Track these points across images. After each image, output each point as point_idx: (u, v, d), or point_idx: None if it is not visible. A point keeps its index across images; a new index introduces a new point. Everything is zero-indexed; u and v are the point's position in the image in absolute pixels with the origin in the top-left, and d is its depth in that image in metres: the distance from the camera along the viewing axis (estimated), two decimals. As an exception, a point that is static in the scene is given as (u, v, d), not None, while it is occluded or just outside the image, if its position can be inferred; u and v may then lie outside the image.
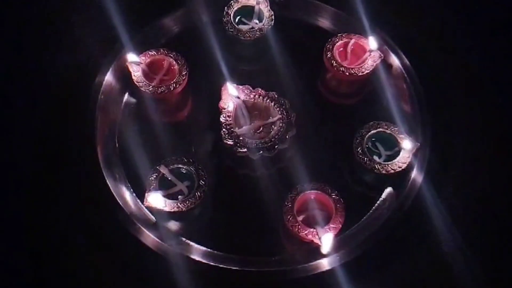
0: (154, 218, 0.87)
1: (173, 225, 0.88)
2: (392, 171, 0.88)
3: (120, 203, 0.86)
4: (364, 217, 0.90)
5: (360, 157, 0.89)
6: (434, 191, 0.89)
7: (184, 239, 0.87)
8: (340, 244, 0.85)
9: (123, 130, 0.95)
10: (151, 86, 0.92)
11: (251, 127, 0.91)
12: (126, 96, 0.98)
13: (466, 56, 1.02)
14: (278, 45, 0.99)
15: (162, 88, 0.93)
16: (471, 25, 1.04)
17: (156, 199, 0.84)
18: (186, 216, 0.88)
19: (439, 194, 0.89)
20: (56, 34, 1.01)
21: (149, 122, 0.96)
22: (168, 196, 0.85)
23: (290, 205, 0.85)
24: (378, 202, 0.91)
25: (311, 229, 0.84)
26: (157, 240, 0.85)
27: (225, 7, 0.99)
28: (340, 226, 0.84)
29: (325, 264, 0.84)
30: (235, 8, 0.99)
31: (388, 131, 0.91)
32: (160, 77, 0.95)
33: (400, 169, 0.88)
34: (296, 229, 0.84)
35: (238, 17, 1.00)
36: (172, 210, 0.84)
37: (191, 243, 0.87)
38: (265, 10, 0.99)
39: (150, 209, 0.86)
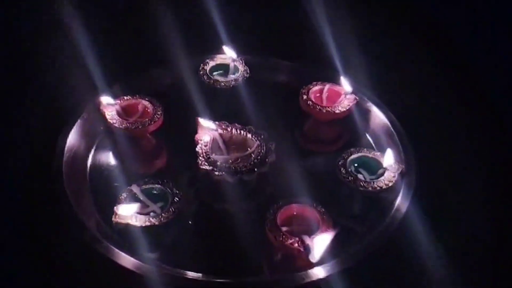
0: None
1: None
2: (379, 188, 0.83)
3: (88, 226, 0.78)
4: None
5: (343, 177, 0.84)
6: (422, 214, 0.83)
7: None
8: (329, 254, 0.76)
9: (95, 165, 0.92)
10: (125, 123, 0.90)
11: (228, 157, 0.87)
12: (97, 141, 0.96)
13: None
14: (253, 97, 0.99)
15: (136, 124, 0.90)
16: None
17: (126, 212, 0.77)
18: (161, 239, 0.79)
19: (427, 216, 0.83)
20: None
21: (123, 162, 0.91)
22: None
23: (272, 217, 0.78)
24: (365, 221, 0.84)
25: (297, 238, 0.76)
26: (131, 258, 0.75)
27: (201, 64, 1.01)
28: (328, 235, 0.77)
29: (314, 274, 0.74)
30: (211, 65, 1.02)
31: (370, 155, 0.88)
32: (135, 119, 0.93)
33: (386, 186, 0.83)
34: (280, 239, 0.76)
35: (215, 73, 1.01)
36: (144, 224, 0.77)
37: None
38: (240, 66, 1.02)
39: (120, 227, 0.78)
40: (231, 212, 0.86)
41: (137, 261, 0.74)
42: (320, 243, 0.75)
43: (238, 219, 0.84)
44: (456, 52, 1.06)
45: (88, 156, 0.92)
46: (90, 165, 0.91)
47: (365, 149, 0.89)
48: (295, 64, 1.07)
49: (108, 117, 0.91)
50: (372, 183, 0.84)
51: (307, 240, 0.75)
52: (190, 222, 0.84)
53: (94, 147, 0.94)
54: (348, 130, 0.97)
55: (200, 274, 0.75)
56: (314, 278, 0.73)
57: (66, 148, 0.88)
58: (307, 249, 0.74)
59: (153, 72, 1.03)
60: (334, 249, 0.76)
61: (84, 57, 0.98)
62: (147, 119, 0.91)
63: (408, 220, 0.81)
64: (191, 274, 0.75)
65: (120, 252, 0.75)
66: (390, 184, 0.84)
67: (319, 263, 0.75)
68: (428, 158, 0.90)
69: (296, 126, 1.00)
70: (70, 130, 0.91)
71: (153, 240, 0.78)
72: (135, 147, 0.93)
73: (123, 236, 0.78)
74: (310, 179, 0.88)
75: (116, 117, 0.91)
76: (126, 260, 0.74)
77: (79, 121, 0.92)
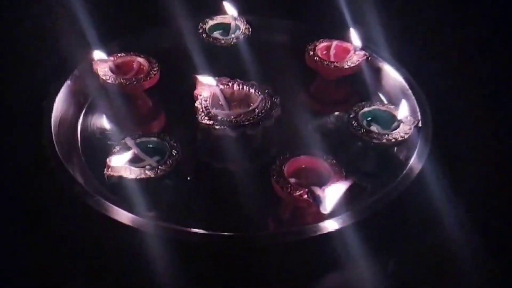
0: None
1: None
2: (393, 140, 0.76)
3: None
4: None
5: (355, 129, 0.78)
6: (438, 168, 0.76)
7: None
8: (341, 207, 0.69)
9: (87, 126, 0.86)
10: (119, 79, 0.84)
11: (230, 112, 0.81)
12: (89, 100, 0.90)
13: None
14: (255, 54, 0.93)
15: (131, 80, 0.84)
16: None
17: (119, 163, 0.70)
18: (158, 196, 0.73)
19: (444, 171, 0.76)
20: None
21: (117, 123, 0.85)
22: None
23: (278, 168, 0.71)
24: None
25: (306, 189, 0.69)
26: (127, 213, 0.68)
27: (200, 23, 0.95)
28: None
29: (325, 226, 0.67)
30: (211, 24, 0.96)
31: (383, 108, 0.81)
32: (130, 76, 0.86)
33: (402, 138, 0.77)
34: (288, 190, 0.69)
35: (215, 32, 0.95)
36: (139, 177, 0.70)
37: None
38: (242, 24, 0.95)
39: (113, 181, 0.71)
40: (234, 170, 0.78)
41: (131, 215, 0.66)
42: (332, 193, 0.68)
43: (241, 176, 0.78)
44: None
45: (79, 117, 0.87)
46: (81, 126, 0.86)
47: (378, 103, 0.82)
48: (299, 23, 1.01)
49: (100, 73, 0.84)
50: (386, 135, 0.76)
51: (318, 191, 0.68)
52: (189, 178, 0.77)
53: (85, 107, 0.88)
54: (357, 89, 0.91)
55: (200, 229, 0.67)
56: (326, 231, 0.67)
57: (55, 108, 0.82)
58: (317, 200, 0.67)
59: (149, 31, 0.96)
60: (346, 203, 0.69)
61: (76, 16, 0.91)
62: (142, 76, 0.84)
63: (425, 173, 0.75)
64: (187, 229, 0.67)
65: (113, 206, 0.67)
66: (406, 136, 0.77)
67: (331, 215, 0.67)
68: (442, 114, 0.83)
69: (302, 86, 0.94)
70: (60, 88, 0.84)
71: (149, 196, 0.71)
72: (130, 106, 0.87)
73: (117, 192, 0.71)
74: (319, 134, 0.84)
75: (109, 73, 0.84)
76: (120, 214, 0.67)
77: (69, 80, 0.86)
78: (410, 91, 0.87)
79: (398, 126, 0.79)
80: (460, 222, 0.72)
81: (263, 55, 0.94)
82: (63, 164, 0.73)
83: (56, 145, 0.75)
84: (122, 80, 0.84)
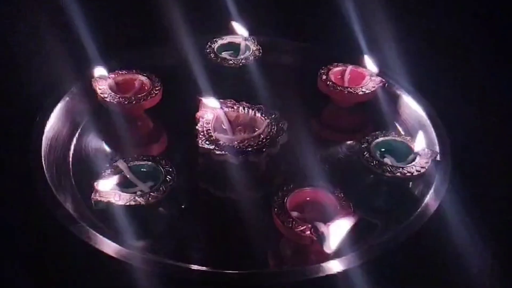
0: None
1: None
2: (408, 174, 0.70)
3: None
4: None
5: (367, 160, 0.72)
6: (457, 204, 0.70)
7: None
8: (347, 246, 0.62)
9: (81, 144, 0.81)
10: (118, 98, 0.79)
11: (233, 138, 0.75)
12: (84, 121, 0.84)
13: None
14: (265, 76, 0.87)
15: (130, 99, 0.79)
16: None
17: (108, 187, 0.65)
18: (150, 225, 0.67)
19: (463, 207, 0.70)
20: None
21: (114, 145, 0.80)
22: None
23: (281, 200, 0.65)
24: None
25: (309, 224, 0.63)
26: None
27: (209, 42, 0.90)
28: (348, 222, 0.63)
29: (328, 267, 0.61)
30: (220, 43, 0.91)
31: (399, 139, 0.75)
32: (130, 95, 0.81)
33: (417, 172, 0.70)
34: (290, 225, 0.63)
35: (223, 53, 0.90)
36: (128, 203, 0.64)
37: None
38: (252, 45, 0.90)
39: (101, 207, 0.65)
40: (235, 200, 0.73)
41: (116, 245, 0.61)
42: (337, 230, 0.61)
43: (242, 207, 0.72)
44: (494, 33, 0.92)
45: (73, 137, 0.81)
46: (75, 147, 0.80)
47: (393, 133, 0.76)
48: (312, 46, 0.96)
49: (99, 91, 0.79)
50: (400, 168, 0.70)
51: (322, 227, 0.62)
52: (183, 206, 0.71)
53: (80, 128, 0.82)
54: (372, 118, 0.85)
55: (193, 264, 0.61)
56: (329, 272, 0.60)
57: (48, 126, 0.77)
58: (321, 238, 0.61)
59: (153, 48, 0.91)
60: (354, 241, 0.63)
61: (77, 31, 0.86)
62: (142, 95, 0.79)
63: (443, 211, 0.68)
64: (182, 264, 0.61)
65: (96, 234, 0.62)
66: (422, 170, 0.70)
67: (336, 255, 0.61)
68: (463, 146, 0.76)
69: (313, 112, 0.88)
70: (55, 106, 0.79)
71: (140, 225, 0.66)
72: (130, 127, 0.81)
73: (106, 219, 0.66)
74: (328, 165, 0.78)
75: (108, 91, 0.79)
76: (104, 244, 0.61)
77: (65, 97, 0.82)
78: (428, 121, 0.80)
79: (414, 159, 0.72)
80: (485, 266, 0.65)
81: (273, 77, 0.88)
82: (50, 187, 0.67)
83: (44, 166, 0.70)
84: (121, 99, 0.78)
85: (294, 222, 0.63)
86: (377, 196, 0.73)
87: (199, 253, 0.67)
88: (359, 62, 0.86)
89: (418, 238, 0.66)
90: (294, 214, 0.65)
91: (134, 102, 0.79)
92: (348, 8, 0.92)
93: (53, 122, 0.78)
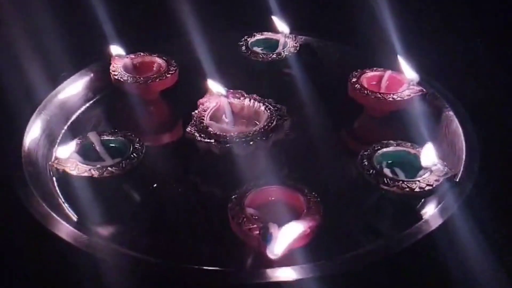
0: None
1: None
2: (408, 190, 0.58)
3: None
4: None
5: (363, 168, 0.61)
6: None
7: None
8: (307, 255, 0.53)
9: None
10: (128, 77, 0.76)
11: (224, 127, 0.68)
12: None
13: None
14: (295, 76, 0.81)
15: (141, 79, 0.75)
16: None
17: (66, 155, 0.61)
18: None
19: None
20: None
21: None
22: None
23: (238, 195, 0.57)
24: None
25: (261, 224, 0.54)
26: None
27: (245, 36, 0.84)
28: (309, 230, 0.53)
29: (269, 274, 0.51)
30: (257, 38, 0.85)
31: (413, 152, 0.63)
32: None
33: (420, 190, 0.58)
34: (239, 221, 0.54)
35: (261, 48, 0.84)
36: (82, 174, 0.60)
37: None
38: (290, 42, 0.83)
39: (58, 175, 0.62)
40: (216, 195, 0.66)
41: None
42: (285, 234, 0.51)
43: (216, 203, 0.63)
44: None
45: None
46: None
47: (409, 144, 0.64)
48: (350, 48, 0.87)
49: (111, 69, 0.76)
50: (400, 182, 0.58)
51: (274, 229, 0.52)
52: (155, 185, 0.67)
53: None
54: (404, 132, 0.72)
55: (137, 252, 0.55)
56: (268, 280, 0.50)
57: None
58: (266, 239, 0.52)
59: (183, 40, 0.87)
60: (319, 252, 0.53)
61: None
62: (154, 76, 0.76)
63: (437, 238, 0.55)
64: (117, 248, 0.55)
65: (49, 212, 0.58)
66: (427, 188, 0.58)
67: (285, 262, 0.51)
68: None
69: (341, 121, 0.78)
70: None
71: (100, 208, 0.62)
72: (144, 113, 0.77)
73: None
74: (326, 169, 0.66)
75: (121, 69, 0.76)
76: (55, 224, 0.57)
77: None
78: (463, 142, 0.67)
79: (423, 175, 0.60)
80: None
81: (304, 79, 0.80)
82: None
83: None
84: (135, 78, 0.75)
85: (244, 219, 0.54)
86: (368, 208, 0.62)
87: (149, 243, 0.60)
88: (399, 69, 0.75)
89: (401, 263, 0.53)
90: (250, 211, 0.56)
91: (142, 82, 0.75)
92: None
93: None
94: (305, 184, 0.59)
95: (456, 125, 0.71)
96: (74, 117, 0.78)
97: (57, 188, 0.64)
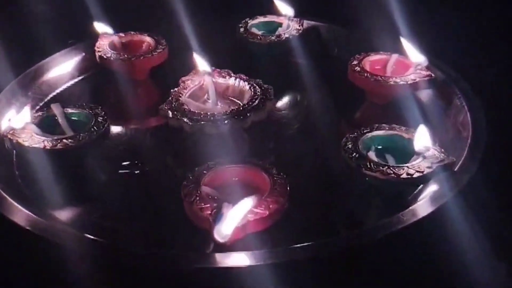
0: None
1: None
2: (393, 176, 0.50)
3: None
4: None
5: (345, 151, 0.54)
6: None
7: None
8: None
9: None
10: (112, 53, 0.71)
11: (202, 106, 0.63)
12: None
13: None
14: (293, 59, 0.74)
15: (124, 57, 0.70)
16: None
17: (20, 125, 0.56)
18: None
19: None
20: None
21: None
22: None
23: (196, 173, 0.51)
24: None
25: (214, 204, 0.47)
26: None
27: (246, 19, 0.78)
28: (267, 212, 0.46)
29: (215, 259, 0.45)
30: (259, 21, 0.79)
31: (406, 136, 0.55)
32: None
33: (408, 176, 0.50)
34: (192, 199, 0.48)
35: (262, 32, 0.77)
36: (33, 144, 0.55)
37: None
38: (294, 25, 0.77)
39: (11, 147, 0.57)
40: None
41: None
42: (235, 213, 0.45)
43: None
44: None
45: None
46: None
47: (403, 128, 0.56)
48: (352, 31, 0.80)
49: (97, 48, 0.72)
50: (385, 168, 0.51)
51: (226, 208, 0.46)
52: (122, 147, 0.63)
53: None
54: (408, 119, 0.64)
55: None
56: (213, 265, 0.43)
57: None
58: (215, 221, 0.45)
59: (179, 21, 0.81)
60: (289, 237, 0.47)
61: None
62: (140, 54, 0.71)
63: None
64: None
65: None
66: (415, 175, 0.50)
67: (234, 246, 0.45)
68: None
69: (342, 109, 0.70)
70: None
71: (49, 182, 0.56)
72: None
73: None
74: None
75: (106, 47, 0.72)
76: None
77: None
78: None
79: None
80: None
81: (303, 62, 0.73)
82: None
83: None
84: (117, 55, 0.70)
85: (197, 198, 0.48)
86: (348, 194, 0.54)
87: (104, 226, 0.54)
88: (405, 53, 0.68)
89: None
90: (206, 190, 0.49)
91: (131, 59, 0.70)
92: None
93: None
94: (282, 166, 0.52)
95: (466, 113, 0.62)
96: (54, 93, 0.73)
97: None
